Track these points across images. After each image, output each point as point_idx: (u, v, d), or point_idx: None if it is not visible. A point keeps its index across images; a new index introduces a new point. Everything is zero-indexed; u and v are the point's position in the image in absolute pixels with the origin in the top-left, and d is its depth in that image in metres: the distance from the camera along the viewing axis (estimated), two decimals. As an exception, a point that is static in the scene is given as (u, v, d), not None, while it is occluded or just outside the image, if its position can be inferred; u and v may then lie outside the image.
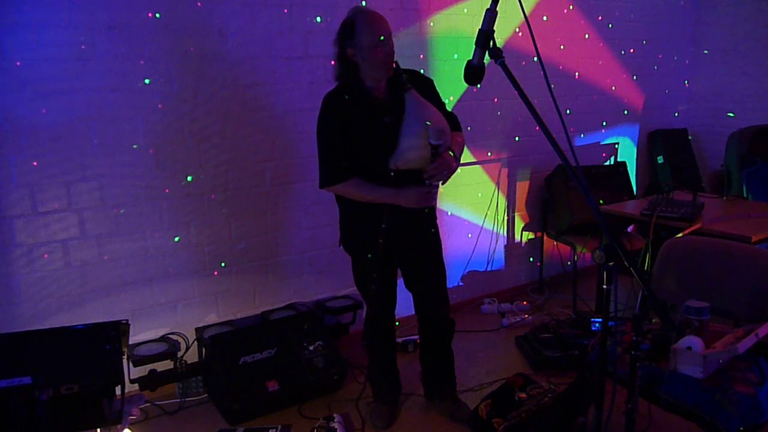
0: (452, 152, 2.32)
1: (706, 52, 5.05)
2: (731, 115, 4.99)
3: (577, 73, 4.31)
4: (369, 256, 2.42)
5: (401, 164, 2.28)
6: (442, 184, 2.45)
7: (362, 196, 2.37)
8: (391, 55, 2.25)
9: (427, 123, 2.20)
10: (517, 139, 4.10)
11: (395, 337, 2.80)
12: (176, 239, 2.94)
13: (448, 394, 2.81)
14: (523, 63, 3.81)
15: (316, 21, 3.15)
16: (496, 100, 3.91)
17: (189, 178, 2.93)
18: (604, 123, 4.56)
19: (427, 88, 2.41)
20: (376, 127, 2.31)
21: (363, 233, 2.45)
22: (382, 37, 2.20)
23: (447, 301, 2.72)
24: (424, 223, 2.52)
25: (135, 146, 2.79)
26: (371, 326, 2.68)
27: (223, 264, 3.09)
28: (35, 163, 2.58)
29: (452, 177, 2.44)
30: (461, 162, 2.58)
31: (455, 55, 3.67)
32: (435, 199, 2.38)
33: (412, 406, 2.89)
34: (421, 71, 2.58)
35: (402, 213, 2.35)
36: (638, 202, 3.70)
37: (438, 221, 2.65)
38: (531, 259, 4.39)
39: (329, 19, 3.19)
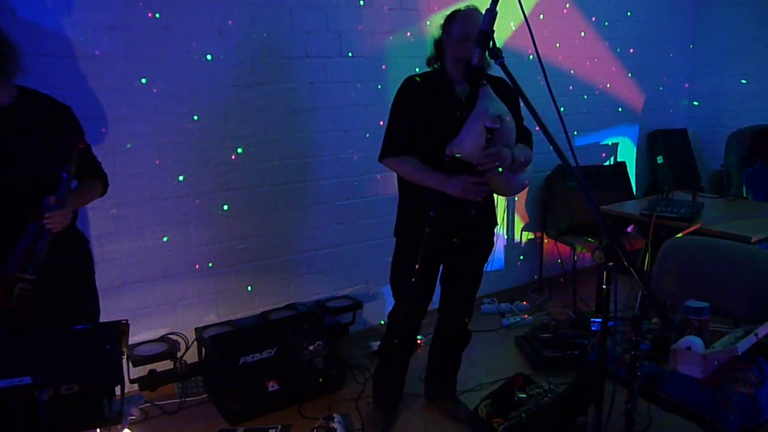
0: (512, 150, 2.28)
1: (691, 46, 5.05)
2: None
3: (572, 71, 4.31)
4: (427, 230, 2.32)
5: (456, 150, 2.27)
6: (506, 194, 2.45)
7: (412, 175, 2.38)
8: (471, 55, 2.22)
9: (484, 109, 2.20)
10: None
11: (414, 343, 2.76)
12: (165, 239, 2.92)
13: (447, 394, 2.82)
14: (528, 54, 3.81)
15: (313, 20, 3.15)
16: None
17: (181, 178, 2.92)
18: (597, 120, 4.54)
19: (509, 96, 2.38)
20: (447, 117, 2.31)
21: (415, 221, 2.39)
22: (467, 37, 2.22)
23: (471, 311, 2.73)
24: (475, 223, 2.43)
25: (132, 146, 2.79)
26: (394, 323, 2.60)
27: (210, 264, 3.06)
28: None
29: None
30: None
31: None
32: (482, 195, 2.30)
33: (412, 406, 2.88)
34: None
35: (451, 206, 2.30)
36: (638, 202, 3.70)
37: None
38: (521, 257, 4.38)
39: (328, 18, 3.20)
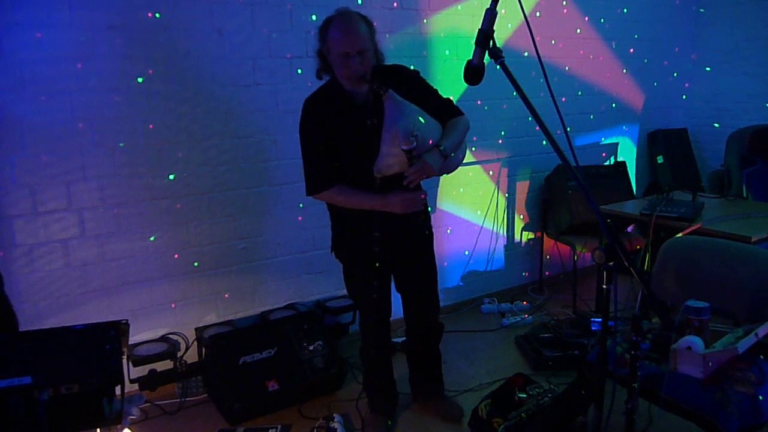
0: (441, 147, 2.21)
1: (693, 56, 5.04)
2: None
3: (567, 68, 4.30)
4: (377, 264, 2.36)
5: (384, 170, 2.22)
6: (446, 173, 2.39)
7: (349, 203, 2.31)
8: (358, 70, 2.13)
9: (395, 129, 2.11)
10: (503, 133, 4.10)
11: (391, 346, 2.74)
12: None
13: (435, 394, 2.81)
14: (523, 53, 3.81)
15: (313, 20, 3.14)
16: (479, 102, 3.91)
17: (171, 177, 2.91)
18: (592, 117, 4.54)
19: (411, 82, 2.31)
20: (358, 130, 2.24)
21: (355, 241, 2.40)
22: (348, 53, 2.10)
23: (437, 305, 2.70)
24: (419, 226, 2.45)
25: (132, 146, 2.79)
26: (366, 336, 2.62)
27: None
28: (35, 163, 2.58)
29: (454, 173, 2.40)
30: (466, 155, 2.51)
31: (447, 52, 3.65)
32: (423, 203, 2.29)
33: (413, 406, 2.88)
34: (412, 67, 2.47)
35: (394, 219, 2.29)
36: (638, 202, 3.70)
37: (437, 221, 2.63)
38: (521, 257, 4.37)
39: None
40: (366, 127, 2.23)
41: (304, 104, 2.29)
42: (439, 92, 2.41)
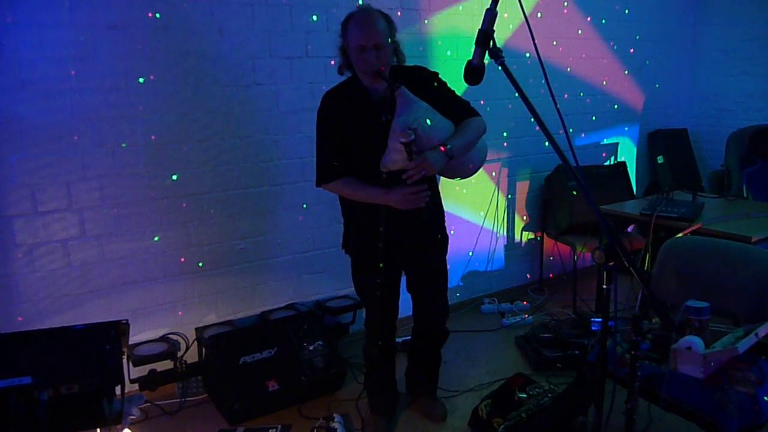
0: (447, 146, 2.19)
1: (691, 75, 5.04)
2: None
3: (569, 68, 4.30)
4: (381, 265, 2.36)
5: (389, 165, 2.24)
6: (460, 177, 2.40)
7: (354, 195, 2.35)
8: (374, 64, 2.15)
9: (396, 121, 2.13)
10: (504, 134, 4.10)
11: (395, 346, 2.74)
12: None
13: (427, 391, 2.81)
14: (525, 53, 3.81)
15: (313, 20, 3.15)
16: (482, 102, 3.91)
17: (174, 177, 2.91)
18: (594, 118, 4.54)
19: (427, 82, 2.33)
20: (372, 126, 2.27)
21: (362, 235, 2.42)
22: (364, 47, 2.13)
23: (445, 310, 2.70)
24: (429, 226, 2.45)
25: (132, 146, 2.79)
26: (370, 334, 2.63)
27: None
28: (35, 163, 2.58)
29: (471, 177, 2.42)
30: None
31: (448, 52, 3.66)
32: (424, 200, 2.29)
33: (413, 406, 2.88)
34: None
35: (401, 215, 2.30)
36: (638, 202, 3.70)
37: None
38: (521, 257, 4.37)
39: (328, 18, 3.19)
40: (381, 123, 2.26)
41: (322, 97, 2.35)
42: (456, 93, 2.42)
